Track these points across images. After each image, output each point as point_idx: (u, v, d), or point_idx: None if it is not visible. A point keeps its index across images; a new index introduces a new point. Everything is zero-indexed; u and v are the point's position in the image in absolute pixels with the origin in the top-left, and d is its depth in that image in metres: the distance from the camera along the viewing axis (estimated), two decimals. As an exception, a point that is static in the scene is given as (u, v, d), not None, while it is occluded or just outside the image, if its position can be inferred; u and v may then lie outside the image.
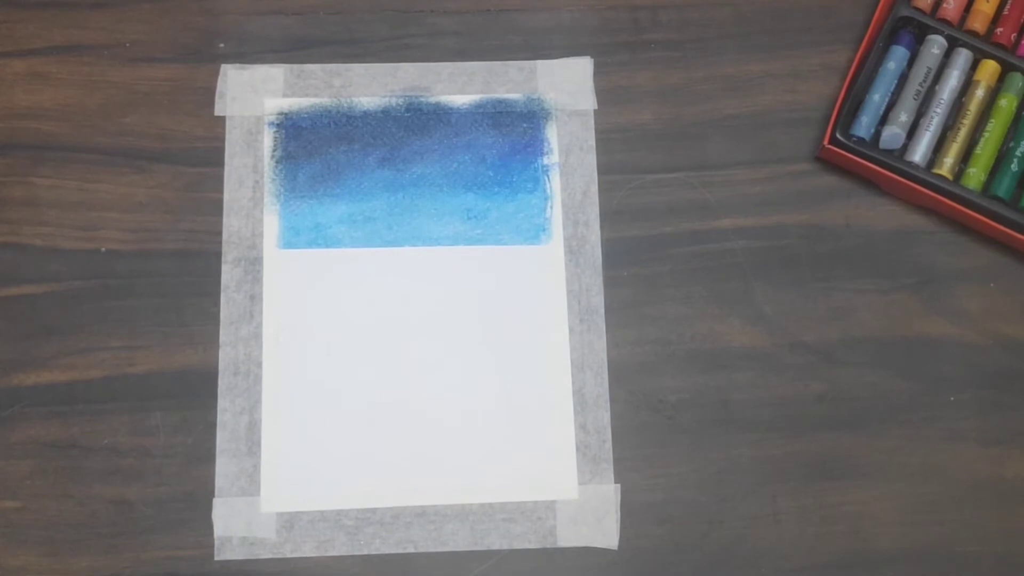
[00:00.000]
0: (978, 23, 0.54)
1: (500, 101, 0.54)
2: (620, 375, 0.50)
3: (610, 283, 0.51)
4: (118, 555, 0.47)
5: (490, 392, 0.50)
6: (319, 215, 0.51)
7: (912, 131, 0.53)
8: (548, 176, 0.53)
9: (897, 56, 0.53)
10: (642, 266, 0.51)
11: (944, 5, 0.54)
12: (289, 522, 0.48)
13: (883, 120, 0.53)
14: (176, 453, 0.48)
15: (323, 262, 0.51)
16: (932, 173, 0.52)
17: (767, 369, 0.51)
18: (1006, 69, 0.54)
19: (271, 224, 0.51)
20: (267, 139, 0.52)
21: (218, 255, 0.50)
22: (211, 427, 0.48)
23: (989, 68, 0.53)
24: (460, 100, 0.53)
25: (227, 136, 0.52)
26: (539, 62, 0.54)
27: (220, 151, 0.51)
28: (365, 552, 0.47)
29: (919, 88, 0.53)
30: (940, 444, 0.50)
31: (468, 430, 0.49)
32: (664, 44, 0.55)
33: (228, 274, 0.50)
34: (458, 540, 0.48)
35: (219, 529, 0.47)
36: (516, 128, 0.53)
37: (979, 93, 0.53)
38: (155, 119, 0.52)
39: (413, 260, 0.51)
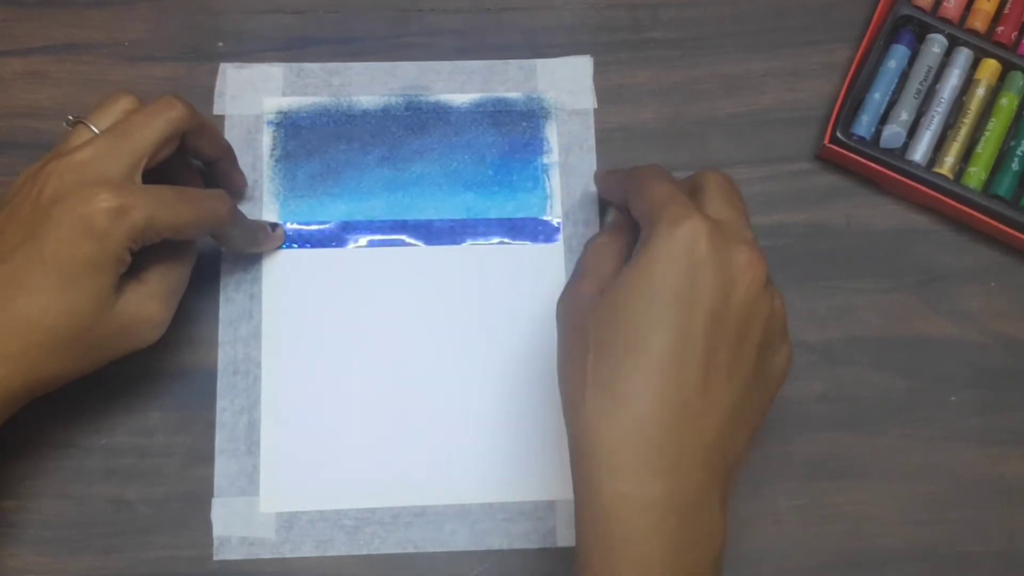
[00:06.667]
0: (979, 22, 0.54)
1: (500, 100, 0.53)
2: (620, 375, 0.50)
3: (610, 282, 0.51)
4: (116, 555, 0.47)
5: (490, 391, 0.49)
6: (318, 214, 0.51)
7: (913, 130, 0.52)
8: (548, 175, 0.52)
9: (898, 55, 0.53)
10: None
11: (945, 4, 0.54)
12: (288, 522, 0.47)
13: (884, 119, 0.53)
14: (175, 453, 0.48)
15: (323, 261, 0.51)
16: (933, 172, 0.52)
17: (767, 369, 0.51)
18: (1007, 68, 0.53)
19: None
20: (266, 138, 0.52)
21: (217, 253, 0.50)
22: (210, 427, 0.48)
23: (990, 67, 0.53)
24: (460, 99, 0.53)
25: (226, 135, 0.52)
26: (539, 61, 0.54)
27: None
28: (365, 552, 0.47)
29: (920, 87, 0.53)
30: (940, 444, 0.50)
31: (468, 430, 0.49)
32: (664, 43, 0.55)
33: (227, 273, 0.50)
34: (458, 540, 0.48)
35: (218, 529, 0.47)
36: (516, 127, 0.53)
37: (980, 92, 0.53)
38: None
39: (413, 259, 0.51)
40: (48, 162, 0.42)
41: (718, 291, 0.37)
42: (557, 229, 0.52)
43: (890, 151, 0.52)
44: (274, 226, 0.50)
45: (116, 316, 0.42)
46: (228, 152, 0.49)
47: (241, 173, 0.50)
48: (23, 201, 0.41)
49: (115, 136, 0.42)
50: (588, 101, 0.54)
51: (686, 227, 0.38)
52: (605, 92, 0.54)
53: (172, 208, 0.42)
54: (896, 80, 0.53)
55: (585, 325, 0.39)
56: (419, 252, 0.51)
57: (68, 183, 0.41)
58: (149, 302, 0.43)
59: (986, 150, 0.52)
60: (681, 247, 0.37)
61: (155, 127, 0.43)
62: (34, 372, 0.41)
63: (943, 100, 0.52)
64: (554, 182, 0.52)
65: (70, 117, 0.44)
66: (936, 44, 0.53)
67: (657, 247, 0.38)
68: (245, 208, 0.51)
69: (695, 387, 0.37)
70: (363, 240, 0.51)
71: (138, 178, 0.42)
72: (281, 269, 0.50)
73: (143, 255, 0.43)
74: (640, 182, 0.41)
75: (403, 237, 0.51)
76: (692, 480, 0.37)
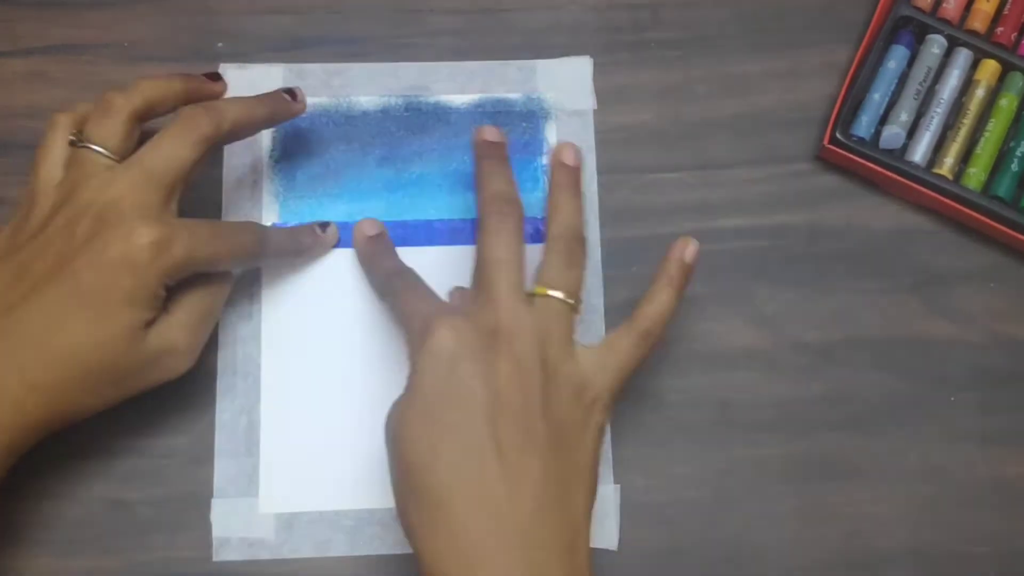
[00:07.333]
0: (978, 22, 0.54)
1: (499, 100, 0.53)
2: (620, 375, 0.50)
3: (610, 283, 0.51)
4: (116, 556, 0.47)
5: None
6: (318, 215, 0.51)
7: (912, 131, 0.53)
8: (548, 176, 0.52)
9: (897, 55, 0.53)
10: (642, 266, 0.51)
11: (944, 4, 0.54)
12: (288, 523, 0.47)
13: (883, 120, 0.53)
14: (174, 454, 0.48)
15: (323, 262, 0.51)
16: (932, 173, 0.52)
17: (767, 369, 0.51)
18: (1006, 69, 0.53)
19: (270, 224, 0.51)
20: (266, 139, 0.52)
21: (217, 255, 0.50)
22: (210, 427, 0.48)
23: (989, 68, 0.53)
24: (459, 100, 0.53)
25: (226, 135, 0.52)
26: (539, 61, 0.54)
27: (218, 151, 0.51)
28: (364, 553, 0.47)
29: (919, 88, 0.53)
30: (940, 444, 0.50)
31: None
32: (664, 43, 0.55)
33: (227, 274, 0.50)
34: (458, 540, 0.48)
35: (217, 530, 0.47)
36: (516, 128, 0.53)
37: (979, 93, 0.53)
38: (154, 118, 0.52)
39: (412, 259, 0.51)
40: (77, 193, 0.42)
41: (479, 377, 0.39)
42: (557, 229, 0.52)
43: (890, 152, 0.52)
44: (324, 226, 0.50)
45: (145, 348, 0.42)
46: (263, 122, 0.47)
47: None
48: (54, 235, 0.41)
49: (145, 169, 0.42)
50: (588, 102, 0.54)
51: (433, 334, 0.39)
52: (605, 92, 0.54)
53: (209, 243, 0.42)
54: (896, 81, 0.53)
55: (392, 449, 0.40)
56: (419, 252, 0.51)
57: (106, 219, 0.41)
58: (176, 332, 0.43)
59: (985, 151, 0.52)
60: (434, 355, 0.39)
61: (184, 156, 0.43)
62: (62, 405, 0.41)
63: (943, 101, 0.53)
64: (554, 182, 0.52)
65: (71, 138, 0.44)
66: (936, 45, 0.53)
67: (417, 364, 0.40)
68: (245, 208, 0.51)
69: (493, 474, 0.38)
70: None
71: (174, 206, 0.42)
72: (281, 269, 0.50)
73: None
74: (393, 297, 0.45)
75: (403, 237, 0.51)
76: (521, 563, 0.37)
